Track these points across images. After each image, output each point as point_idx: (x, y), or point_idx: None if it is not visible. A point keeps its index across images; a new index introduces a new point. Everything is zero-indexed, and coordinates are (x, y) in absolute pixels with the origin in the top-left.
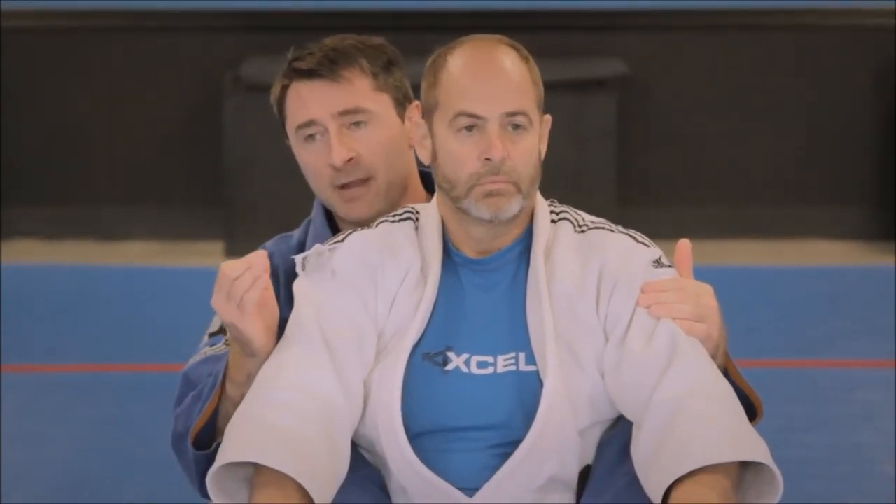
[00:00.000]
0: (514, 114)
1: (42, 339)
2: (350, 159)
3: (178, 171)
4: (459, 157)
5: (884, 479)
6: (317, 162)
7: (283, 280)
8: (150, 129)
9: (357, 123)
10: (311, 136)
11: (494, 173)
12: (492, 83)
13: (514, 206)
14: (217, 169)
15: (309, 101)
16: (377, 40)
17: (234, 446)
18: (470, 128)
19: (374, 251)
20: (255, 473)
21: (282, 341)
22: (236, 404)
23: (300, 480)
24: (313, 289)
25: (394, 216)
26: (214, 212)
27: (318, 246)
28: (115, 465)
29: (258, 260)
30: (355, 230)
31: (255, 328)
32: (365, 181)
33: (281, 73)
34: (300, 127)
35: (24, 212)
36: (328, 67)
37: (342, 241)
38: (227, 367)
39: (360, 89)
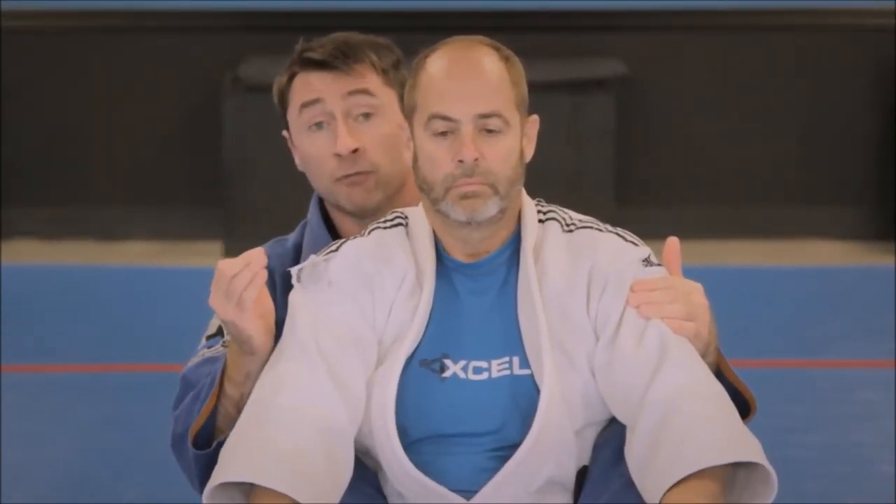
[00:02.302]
0: (487, 115)
1: (42, 339)
2: (355, 150)
3: (177, 171)
4: (435, 159)
5: (883, 479)
6: (321, 151)
7: (280, 282)
8: (149, 130)
9: (365, 116)
10: (316, 125)
11: (468, 175)
12: (465, 85)
13: (490, 207)
14: (216, 169)
15: (317, 85)
16: (385, 40)
17: (232, 465)
18: (445, 130)
19: (369, 259)
20: (252, 495)
21: (278, 354)
22: (236, 403)
23: (297, 498)
24: (309, 300)
25: (384, 222)
26: (214, 212)
27: (312, 257)
28: (114, 465)
29: (256, 257)
30: (348, 239)
31: (254, 326)
32: (366, 173)
33: (288, 63)
34: (305, 105)
35: (24, 212)
36: (341, 59)
37: (336, 250)
38: (225, 367)
39: (371, 81)
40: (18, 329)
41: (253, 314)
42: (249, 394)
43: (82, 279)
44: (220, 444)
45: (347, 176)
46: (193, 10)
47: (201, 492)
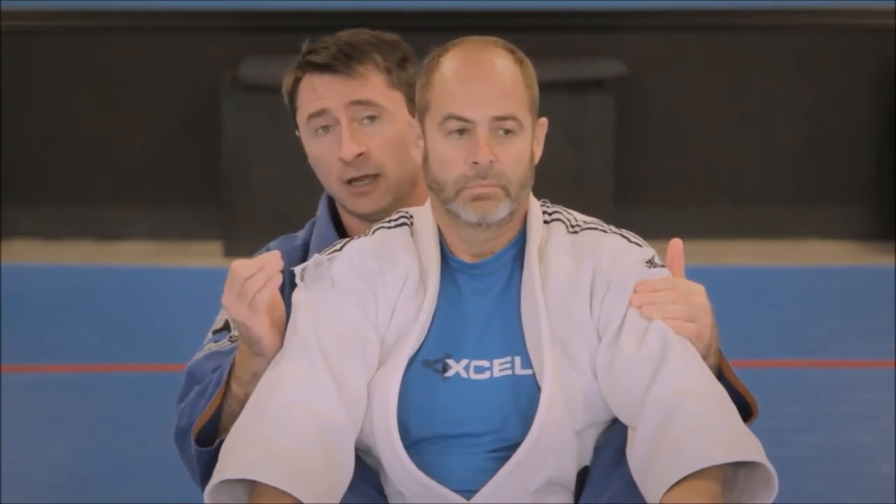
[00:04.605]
0: (502, 118)
1: (41, 339)
2: (360, 154)
3: (176, 171)
4: (448, 159)
5: (883, 479)
6: (327, 155)
7: (288, 280)
8: (148, 130)
9: (370, 118)
10: (322, 129)
11: (482, 177)
12: (481, 86)
13: (501, 210)
14: (215, 169)
15: (322, 92)
16: (392, 36)
17: (232, 463)
18: (460, 131)
19: (372, 259)
20: (253, 493)
21: (281, 353)
22: (241, 402)
23: (297, 495)
24: (312, 299)
25: (389, 222)
26: (213, 212)
27: (316, 256)
28: (114, 465)
29: (272, 260)
30: (352, 239)
31: (265, 328)
32: (373, 177)
33: (294, 65)
34: (312, 116)
35: (23, 212)
36: (343, 62)
37: (340, 249)
38: (232, 366)
39: (374, 85)
40: (18, 329)
41: (264, 317)
42: None
43: (81, 279)
44: (223, 443)
45: (354, 180)
46: (193, 10)
47: (203, 487)
